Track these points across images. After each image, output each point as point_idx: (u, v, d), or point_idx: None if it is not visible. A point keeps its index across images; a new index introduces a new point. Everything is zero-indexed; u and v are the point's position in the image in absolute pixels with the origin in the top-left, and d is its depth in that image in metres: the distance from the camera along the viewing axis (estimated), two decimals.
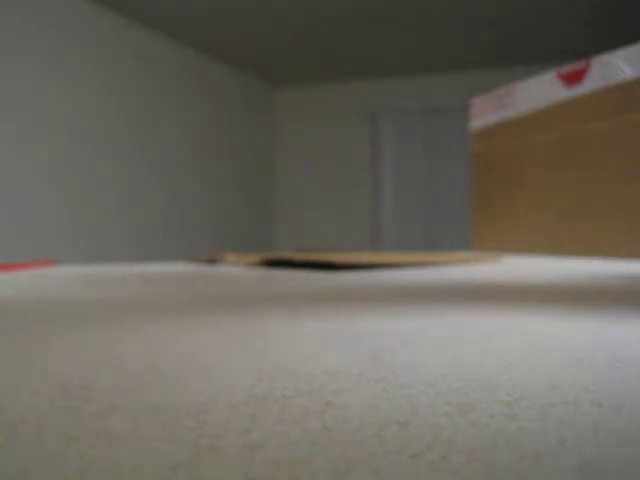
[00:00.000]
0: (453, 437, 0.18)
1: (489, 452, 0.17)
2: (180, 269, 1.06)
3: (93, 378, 0.26)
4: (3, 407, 0.21)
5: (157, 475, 0.15)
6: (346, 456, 0.17)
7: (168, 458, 0.16)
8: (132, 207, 3.94)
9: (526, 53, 4.64)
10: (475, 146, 1.59)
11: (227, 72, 5.01)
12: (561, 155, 1.27)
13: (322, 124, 5.62)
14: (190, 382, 0.25)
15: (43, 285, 0.73)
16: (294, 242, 5.71)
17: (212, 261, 1.19)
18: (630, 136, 1.10)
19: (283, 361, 0.29)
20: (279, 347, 0.32)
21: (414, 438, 0.18)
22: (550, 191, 1.30)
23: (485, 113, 1.54)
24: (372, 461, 0.16)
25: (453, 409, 0.21)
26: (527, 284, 0.68)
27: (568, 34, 4.19)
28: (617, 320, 0.41)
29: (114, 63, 3.79)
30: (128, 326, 0.40)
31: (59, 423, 0.20)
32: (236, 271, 0.97)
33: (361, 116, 5.51)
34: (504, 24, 3.98)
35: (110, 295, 0.60)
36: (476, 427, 0.19)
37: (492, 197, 1.51)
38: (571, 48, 4.51)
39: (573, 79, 1.23)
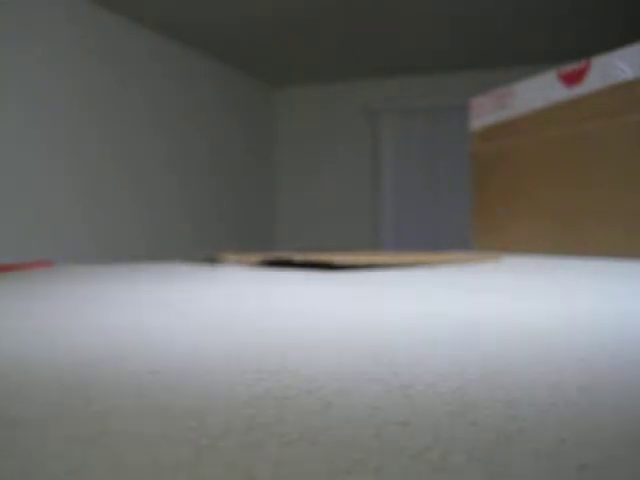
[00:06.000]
0: (453, 437, 0.18)
1: (489, 452, 0.17)
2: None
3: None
4: (3, 407, 0.21)
5: (157, 475, 0.15)
6: (346, 456, 0.16)
7: (168, 458, 0.16)
8: (127, 207, 3.94)
9: (526, 53, 4.64)
10: (475, 146, 1.59)
11: (227, 72, 5.01)
12: (561, 154, 1.27)
13: (322, 124, 5.62)
14: None
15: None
16: (295, 242, 5.71)
17: (212, 261, 1.19)
18: (630, 136, 1.10)
19: None
20: None
21: (414, 438, 0.18)
22: (550, 190, 1.30)
23: (485, 113, 1.53)
24: (372, 461, 0.16)
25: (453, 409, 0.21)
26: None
27: (568, 34, 4.19)
28: None
29: (121, 64, 3.79)
30: None
31: (59, 423, 0.20)
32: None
33: (361, 116, 5.51)
34: (504, 24, 3.99)
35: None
36: (476, 427, 0.19)
37: (492, 197, 1.51)
38: (571, 48, 4.52)
39: (573, 79, 1.23)
